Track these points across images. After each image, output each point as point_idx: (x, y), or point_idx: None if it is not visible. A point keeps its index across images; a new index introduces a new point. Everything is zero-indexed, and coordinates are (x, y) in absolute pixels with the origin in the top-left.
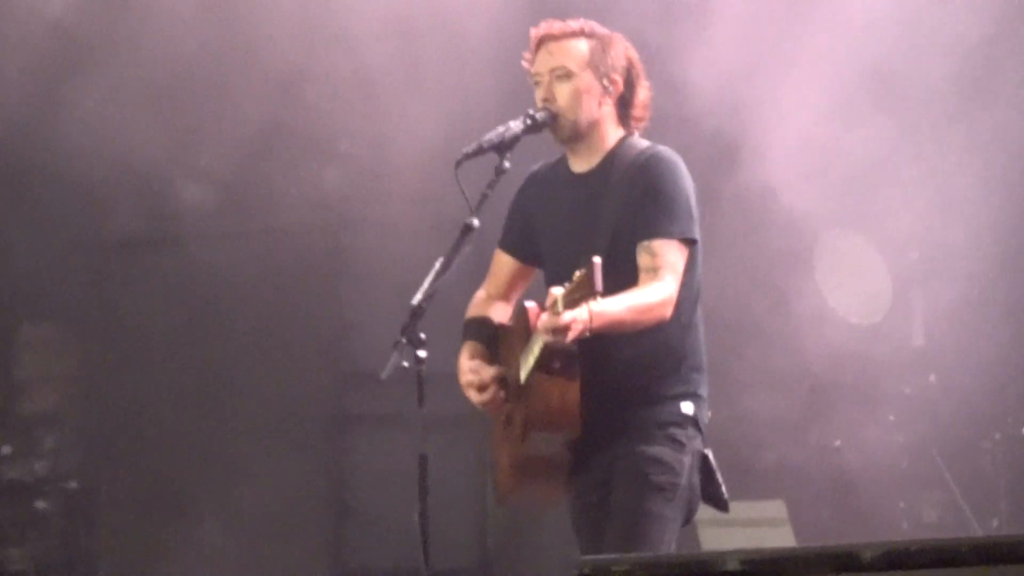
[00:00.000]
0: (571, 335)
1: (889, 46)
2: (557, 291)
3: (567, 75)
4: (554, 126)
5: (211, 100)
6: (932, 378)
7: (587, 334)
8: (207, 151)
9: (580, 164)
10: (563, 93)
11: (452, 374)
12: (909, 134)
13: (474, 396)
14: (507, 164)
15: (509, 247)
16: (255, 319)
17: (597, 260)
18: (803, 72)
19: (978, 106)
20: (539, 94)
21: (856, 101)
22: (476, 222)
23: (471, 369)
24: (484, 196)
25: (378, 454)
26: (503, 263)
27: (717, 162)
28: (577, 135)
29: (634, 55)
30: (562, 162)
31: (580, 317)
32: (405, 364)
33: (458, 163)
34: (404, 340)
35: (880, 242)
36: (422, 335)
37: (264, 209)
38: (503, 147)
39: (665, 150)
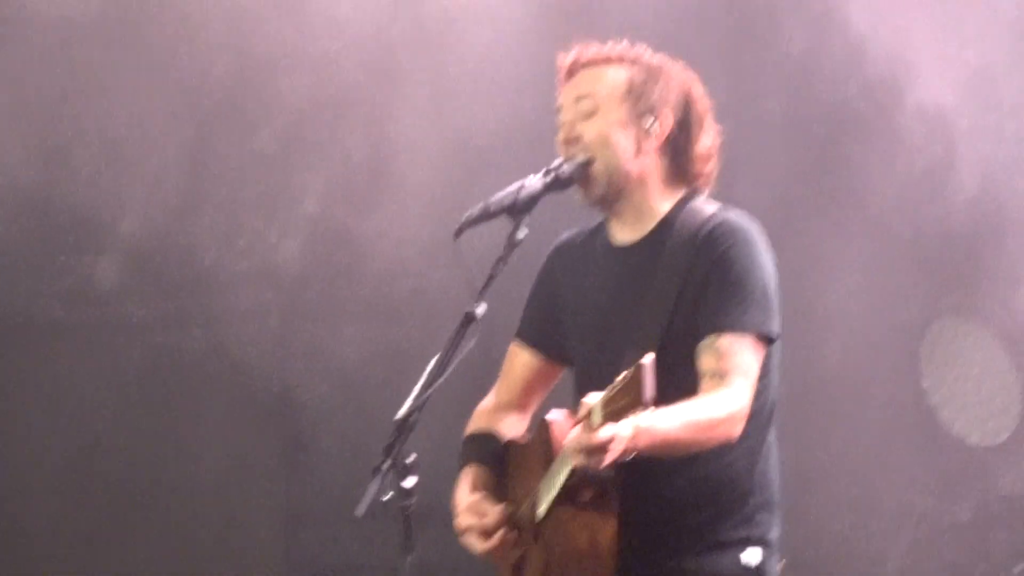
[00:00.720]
0: (609, 457)
1: None
2: (593, 399)
3: (595, 109)
4: (584, 179)
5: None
6: None
7: (629, 456)
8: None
9: (624, 233)
10: (590, 131)
11: (448, 510)
12: None
13: (474, 544)
14: (522, 233)
15: (528, 339)
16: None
17: (648, 360)
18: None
19: None
20: (560, 136)
21: None
22: (481, 309)
23: (471, 507)
24: (493, 275)
25: None
26: (519, 360)
27: None
28: (614, 187)
29: (697, 91)
30: (600, 229)
31: (622, 434)
32: (386, 497)
33: (458, 231)
34: (387, 464)
35: (1005, 335)
36: (410, 458)
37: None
38: (517, 210)
39: (738, 217)
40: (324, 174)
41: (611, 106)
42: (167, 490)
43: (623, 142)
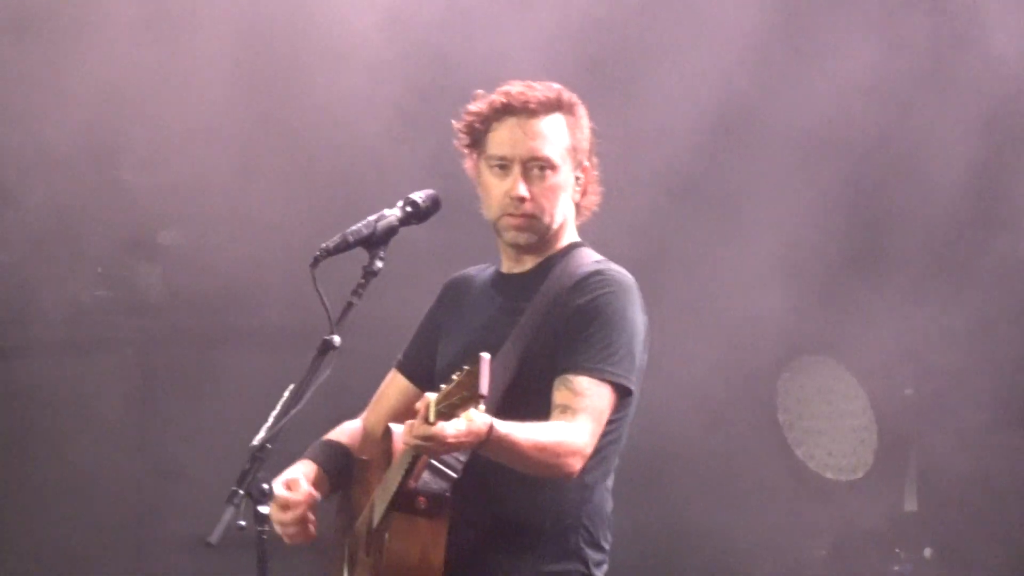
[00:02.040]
0: (444, 449)
1: None
2: (432, 396)
3: (548, 168)
4: (519, 231)
5: None
6: (927, 552)
7: (467, 449)
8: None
9: (517, 264)
10: (542, 191)
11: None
12: None
13: (273, 512)
14: (379, 264)
15: (406, 368)
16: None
17: (486, 356)
18: None
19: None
20: (510, 188)
21: None
22: (338, 339)
23: (285, 483)
24: (350, 305)
25: None
26: (394, 387)
27: None
28: (542, 240)
29: (590, 126)
30: (496, 264)
31: (455, 429)
32: (242, 524)
33: (315, 260)
34: (242, 492)
35: (863, 372)
36: (265, 486)
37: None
38: (374, 241)
39: (619, 271)
40: (185, 201)
41: (560, 165)
42: (29, 515)
43: (565, 202)
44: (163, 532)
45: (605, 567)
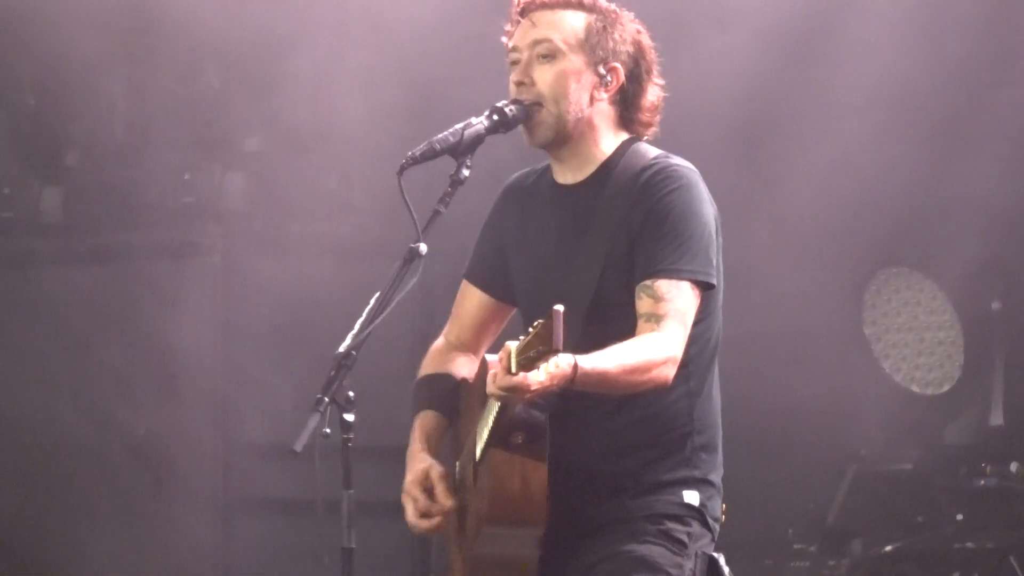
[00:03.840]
0: (530, 398)
1: None
2: (513, 343)
3: (552, 53)
4: (530, 123)
5: None
6: (1013, 467)
7: (555, 391)
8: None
9: (567, 174)
10: (545, 76)
11: (390, 447)
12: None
13: (410, 516)
14: (466, 172)
15: (477, 279)
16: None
17: (559, 308)
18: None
19: None
20: (514, 76)
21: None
22: (424, 247)
23: (421, 479)
24: (436, 213)
25: (276, 545)
26: (469, 300)
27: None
28: (561, 135)
29: (646, 42)
30: (548, 170)
31: (537, 379)
32: (327, 432)
33: (402, 168)
34: (327, 400)
35: (950, 286)
36: (350, 394)
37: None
38: (461, 150)
39: (681, 164)
40: (266, 111)
41: (568, 53)
42: (103, 419)
43: (577, 91)
44: (246, 439)
45: (720, 470)
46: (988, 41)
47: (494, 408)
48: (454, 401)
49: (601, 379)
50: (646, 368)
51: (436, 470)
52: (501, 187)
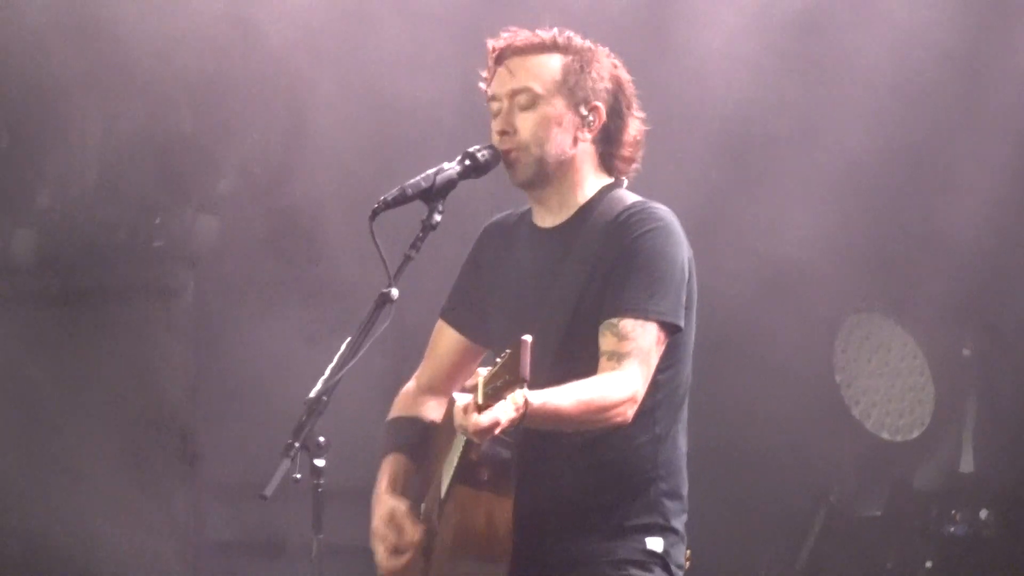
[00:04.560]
0: (488, 436)
1: None
2: (483, 371)
3: (532, 102)
4: (511, 163)
5: None
6: (983, 514)
7: (515, 426)
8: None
9: (546, 217)
10: (527, 124)
11: (363, 489)
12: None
13: (381, 557)
14: (437, 217)
15: (453, 318)
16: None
17: (527, 338)
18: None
19: None
20: (495, 125)
21: None
22: (395, 292)
23: (390, 518)
24: (407, 258)
25: None
26: (444, 340)
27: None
28: (542, 176)
29: (624, 76)
30: (528, 214)
31: (500, 416)
32: (297, 477)
33: (374, 213)
34: (297, 445)
35: (920, 331)
36: (321, 439)
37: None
38: (433, 194)
39: (658, 207)
40: (241, 151)
41: (548, 98)
42: (69, 463)
43: (560, 134)
44: (216, 483)
45: (684, 517)
46: (960, 80)
47: (460, 443)
48: (422, 445)
49: (555, 415)
50: (604, 407)
51: (401, 508)
52: (482, 227)
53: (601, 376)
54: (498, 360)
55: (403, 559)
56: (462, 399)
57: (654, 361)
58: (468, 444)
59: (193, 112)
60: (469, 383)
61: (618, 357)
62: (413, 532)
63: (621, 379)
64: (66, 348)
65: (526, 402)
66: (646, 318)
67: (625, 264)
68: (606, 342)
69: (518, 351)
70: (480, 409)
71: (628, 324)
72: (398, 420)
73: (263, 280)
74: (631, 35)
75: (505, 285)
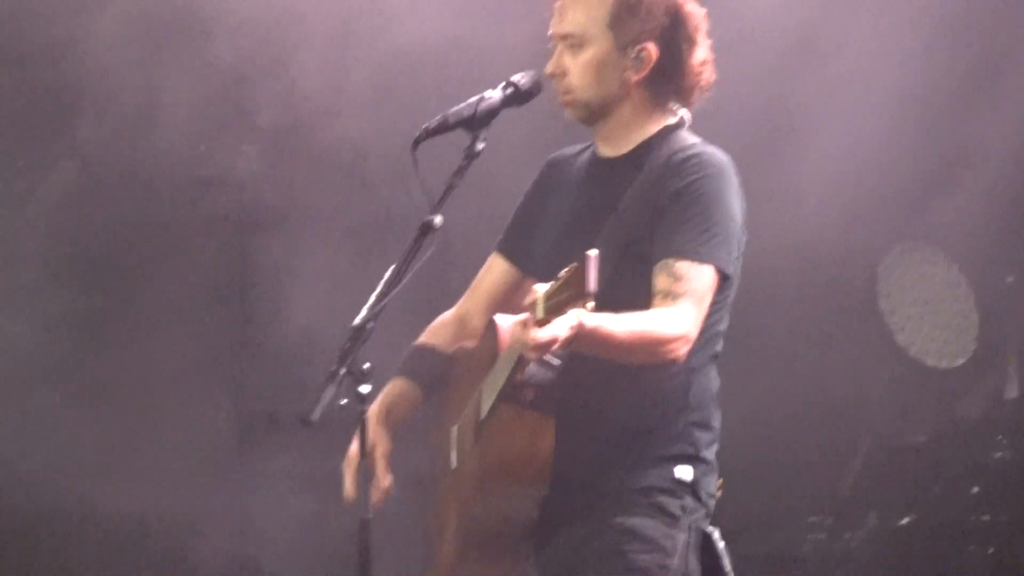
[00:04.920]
0: (543, 352)
1: None
2: (541, 287)
3: (579, 44)
4: (565, 105)
5: None
6: None
7: (568, 345)
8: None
9: (607, 148)
10: (574, 66)
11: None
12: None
13: (347, 485)
14: (480, 145)
15: (505, 250)
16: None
17: (594, 252)
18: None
19: None
20: (547, 68)
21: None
22: (439, 220)
23: (368, 449)
24: (450, 186)
25: (293, 519)
26: (493, 270)
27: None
28: (594, 116)
29: (688, 8)
30: (592, 145)
31: (559, 332)
32: (343, 402)
33: (416, 141)
34: (343, 371)
35: (964, 259)
36: (366, 365)
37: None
38: (475, 123)
39: (714, 153)
40: (282, 83)
41: (595, 40)
42: (119, 389)
43: (607, 76)
44: (262, 410)
45: (715, 447)
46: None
47: (510, 362)
48: (438, 376)
49: (606, 340)
50: (657, 340)
51: (380, 448)
52: (545, 160)
53: (656, 311)
54: (560, 275)
55: (351, 494)
56: (506, 320)
57: (707, 304)
58: (517, 363)
59: (231, 48)
60: (527, 300)
61: (673, 296)
62: (383, 478)
63: (675, 316)
64: (112, 282)
65: (580, 323)
66: (702, 261)
67: (683, 206)
68: (661, 281)
69: (584, 265)
70: (540, 324)
71: (684, 266)
72: (421, 346)
73: (307, 209)
74: None
75: (558, 215)
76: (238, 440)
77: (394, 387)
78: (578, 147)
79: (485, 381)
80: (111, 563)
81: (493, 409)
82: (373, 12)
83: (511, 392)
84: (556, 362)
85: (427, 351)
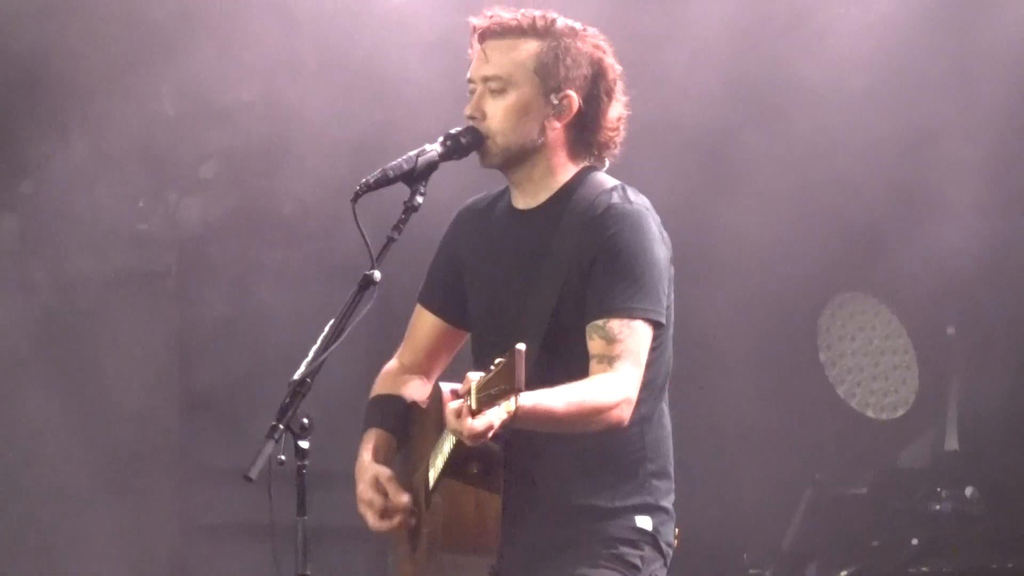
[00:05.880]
0: (481, 440)
1: None
2: (475, 376)
3: (501, 89)
4: (481, 149)
5: None
6: (968, 491)
7: (506, 429)
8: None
9: (523, 199)
10: (495, 110)
11: (346, 472)
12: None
13: (371, 520)
14: (419, 199)
15: (431, 303)
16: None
17: (521, 347)
18: None
19: None
20: (466, 110)
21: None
22: (378, 274)
23: (374, 482)
24: (390, 240)
25: (231, 570)
26: (423, 323)
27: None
28: (510, 162)
29: (608, 61)
30: (505, 194)
31: (494, 420)
32: (282, 459)
33: (356, 195)
34: (281, 427)
35: (904, 310)
36: (305, 420)
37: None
38: (415, 176)
39: (631, 202)
40: (225, 136)
41: (518, 86)
42: (66, 443)
43: (527, 122)
44: (202, 465)
45: (672, 496)
46: (944, 59)
47: (449, 440)
48: (404, 423)
49: (546, 417)
50: (597, 409)
51: (385, 474)
52: (456, 211)
53: (594, 378)
54: (492, 367)
55: (394, 521)
56: (449, 389)
57: (644, 359)
58: (458, 443)
59: (174, 96)
60: (462, 388)
61: (609, 360)
62: (399, 495)
63: (614, 381)
64: (53, 336)
65: (518, 406)
66: (632, 317)
67: (605, 263)
68: (595, 345)
69: (512, 360)
70: (473, 414)
71: (616, 325)
72: (380, 398)
73: (246, 264)
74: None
75: (484, 268)
76: (179, 494)
77: (373, 436)
78: (489, 195)
79: (434, 448)
80: None
81: (438, 482)
82: (313, 68)
83: (455, 467)
84: (498, 433)
85: (387, 400)
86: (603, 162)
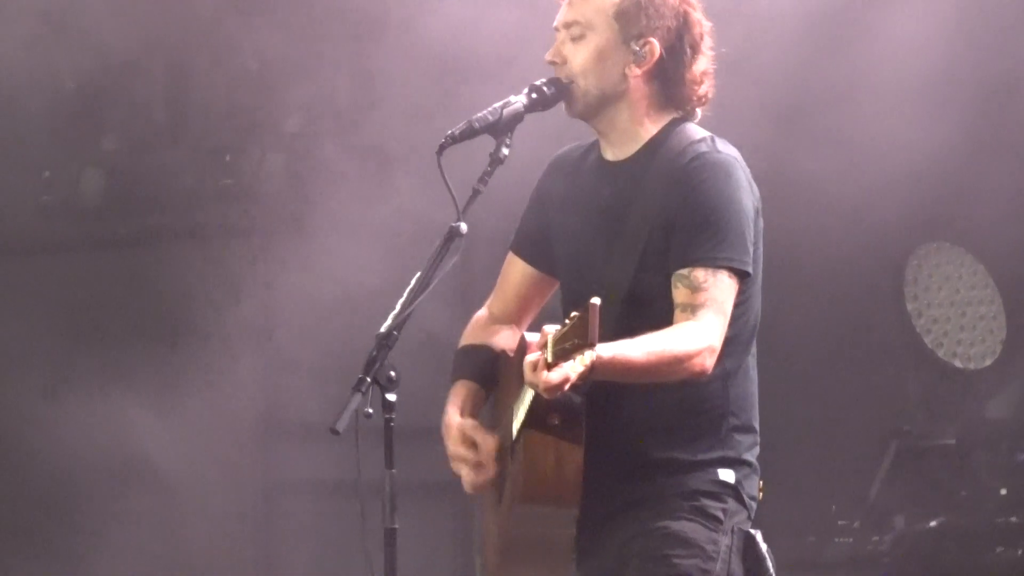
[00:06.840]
0: (559, 392)
1: None
2: (551, 329)
3: (582, 33)
4: (567, 97)
5: None
6: None
7: (586, 383)
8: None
9: (612, 150)
10: (575, 55)
11: (432, 427)
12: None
13: (464, 475)
14: (505, 151)
15: (522, 251)
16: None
17: (596, 302)
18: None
19: None
20: (547, 56)
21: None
22: (464, 226)
23: (463, 435)
24: (475, 192)
25: (318, 529)
26: (514, 271)
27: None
28: (593, 109)
29: (694, 15)
30: (595, 147)
31: (570, 373)
32: (369, 412)
33: (441, 148)
34: (368, 380)
35: (991, 260)
36: (392, 373)
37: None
38: (500, 128)
39: (720, 152)
40: (307, 91)
41: (598, 31)
42: (140, 406)
43: (608, 68)
44: (287, 421)
45: (756, 449)
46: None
47: (530, 392)
48: (492, 373)
49: (625, 367)
50: (679, 358)
51: (470, 424)
52: (548, 160)
53: (676, 327)
54: (567, 321)
55: (489, 472)
56: (532, 340)
57: (729, 309)
58: (537, 395)
59: (257, 54)
60: (539, 340)
61: (692, 308)
62: (490, 443)
63: (697, 330)
64: (136, 289)
65: (594, 360)
66: (717, 267)
67: (691, 212)
68: (679, 294)
69: (586, 315)
70: (549, 367)
71: (700, 274)
72: (468, 348)
73: (332, 218)
74: None
75: (572, 219)
76: (263, 449)
77: (460, 388)
78: (581, 147)
79: (515, 400)
80: None
81: (519, 434)
82: (399, 14)
83: (536, 418)
84: (580, 387)
85: (476, 350)
86: (694, 115)
